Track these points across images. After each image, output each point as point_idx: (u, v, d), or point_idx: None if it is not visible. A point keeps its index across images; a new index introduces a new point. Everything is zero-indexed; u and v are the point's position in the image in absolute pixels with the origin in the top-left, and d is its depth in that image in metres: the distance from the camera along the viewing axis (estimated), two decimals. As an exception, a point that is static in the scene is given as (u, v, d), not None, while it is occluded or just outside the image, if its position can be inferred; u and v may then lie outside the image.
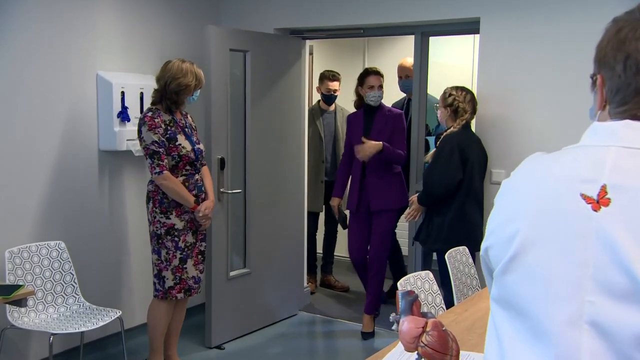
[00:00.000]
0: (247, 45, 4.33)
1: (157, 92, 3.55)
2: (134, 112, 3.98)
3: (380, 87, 4.38)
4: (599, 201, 0.96)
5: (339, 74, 5.32)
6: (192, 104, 3.66)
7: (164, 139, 3.44)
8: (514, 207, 1.05)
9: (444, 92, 3.90)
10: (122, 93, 3.94)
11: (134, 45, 4.21)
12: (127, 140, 3.95)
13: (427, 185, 3.84)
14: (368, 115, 4.41)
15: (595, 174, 0.98)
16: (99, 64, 3.99)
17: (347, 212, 4.70)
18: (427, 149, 4.63)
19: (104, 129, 3.96)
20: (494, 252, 1.07)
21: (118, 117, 3.94)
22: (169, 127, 3.48)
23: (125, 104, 3.96)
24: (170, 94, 3.49)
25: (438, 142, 3.85)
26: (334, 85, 5.24)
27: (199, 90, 3.62)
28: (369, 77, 4.39)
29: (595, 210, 0.96)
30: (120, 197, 4.18)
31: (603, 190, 0.96)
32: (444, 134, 3.83)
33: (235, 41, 4.25)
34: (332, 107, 5.35)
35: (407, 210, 4.16)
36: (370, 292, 4.52)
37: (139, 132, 3.48)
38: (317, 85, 5.39)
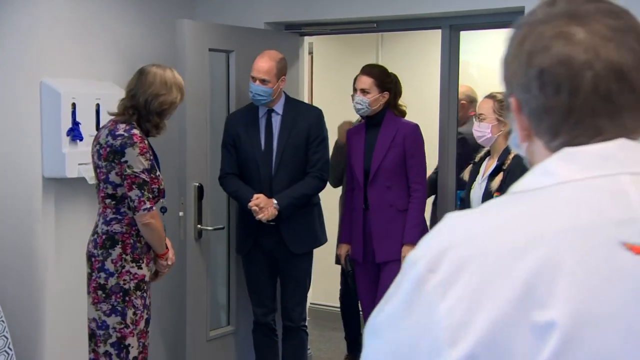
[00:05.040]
0: (231, 44, 4.32)
1: (133, 110, 3.28)
2: (88, 129, 3.88)
3: (364, 91, 3.97)
4: None
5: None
6: None
7: (149, 168, 3.30)
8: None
9: (501, 102, 3.61)
10: (74, 105, 3.88)
11: (89, 45, 4.12)
12: (79, 164, 3.84)
13: None
14: (370, 128, 4.11)
15: (626, 212, 0.88)
16: (44, 69, 3.90)
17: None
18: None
19: (50, 151, 3.88)
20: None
21: (68, 135, 3.86)
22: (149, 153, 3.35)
23: (77, 119, 3.89)
24: (151, 115, 3.28)
25: (506, 166, 3.57)
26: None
27: None
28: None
29: None
30: (70, 238, 4.01)
31: None
32: (513, 155, 3.53)
33: (216, 39, 4.23)
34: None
35: None
36: None
37: (120, 153, 3.20)
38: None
